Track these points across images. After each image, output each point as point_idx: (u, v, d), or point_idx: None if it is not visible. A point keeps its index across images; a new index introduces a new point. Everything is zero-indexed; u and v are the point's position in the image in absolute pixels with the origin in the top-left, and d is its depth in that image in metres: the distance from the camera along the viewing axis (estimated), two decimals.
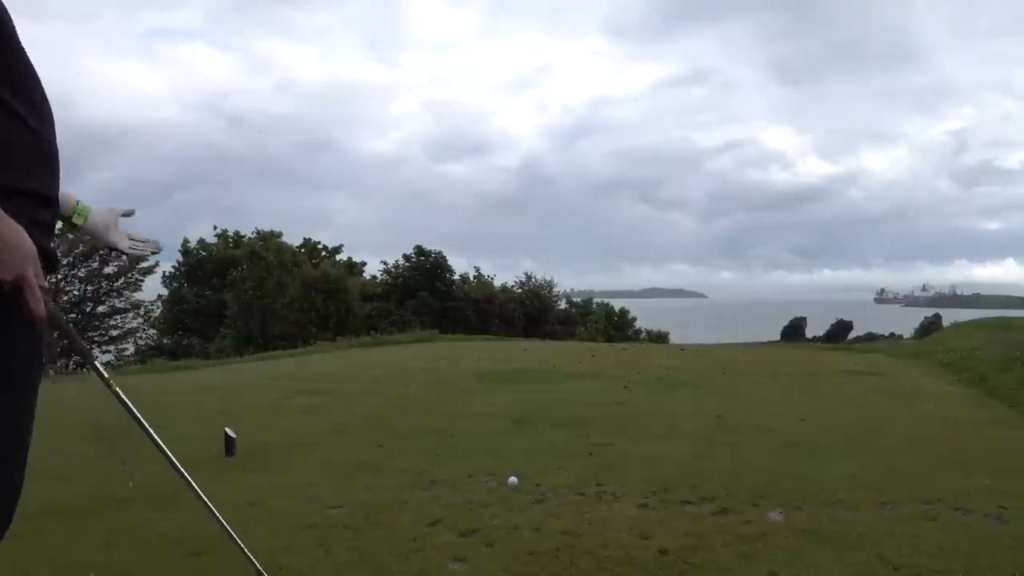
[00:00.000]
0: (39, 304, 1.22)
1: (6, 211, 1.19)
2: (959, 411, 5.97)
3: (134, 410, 1.48)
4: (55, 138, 1.40)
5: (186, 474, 1.48)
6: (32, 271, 1.22)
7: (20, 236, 1.21)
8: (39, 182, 1.33)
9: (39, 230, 1.30)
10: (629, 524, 3.08)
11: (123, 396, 1.47)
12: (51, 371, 2.33)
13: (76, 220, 1.63)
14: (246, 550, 1.50)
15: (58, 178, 1.43)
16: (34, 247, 1.23)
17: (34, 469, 4.16)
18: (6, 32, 1.24)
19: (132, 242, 1.71)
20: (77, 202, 1.62)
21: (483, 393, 6.69)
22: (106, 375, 1.49)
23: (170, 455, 1.50)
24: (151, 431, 1.46)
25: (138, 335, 31.78)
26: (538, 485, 3.62)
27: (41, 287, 1.23)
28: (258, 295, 25.65)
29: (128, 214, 1.72)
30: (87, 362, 1.49)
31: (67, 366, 25.04)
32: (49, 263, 1.36)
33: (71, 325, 1.46)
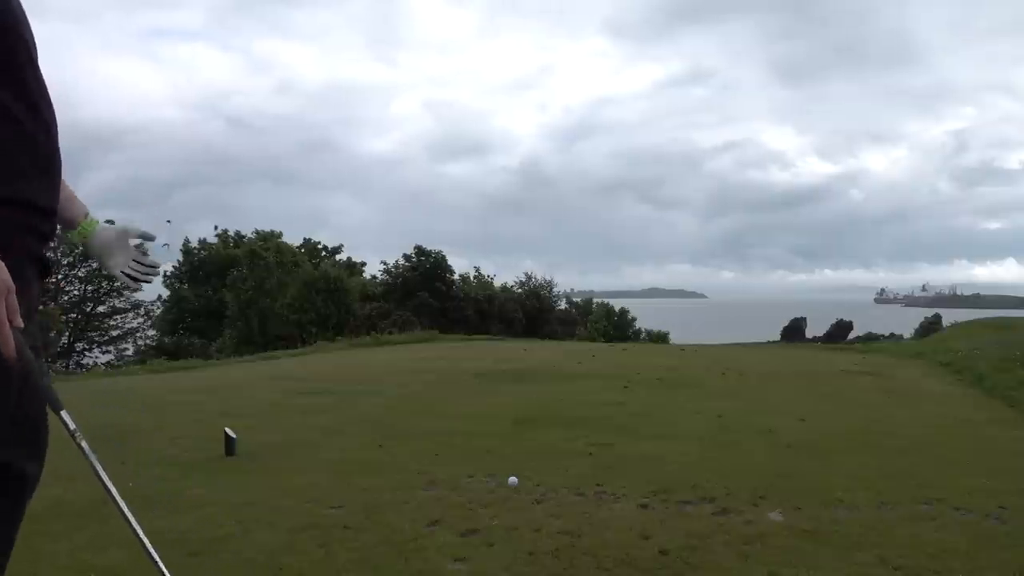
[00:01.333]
0: (7, 343, 1.12)
1: None
2: (959, 411, 5.97)
3: (92, 459, 1.48)
4: (58, 145, 1.35)
5: (116, 495, 1.49)
6: (1, 307, 1.11)
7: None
8: (35, 191, 1.27)
9: (35, 239, 1.27)
10: (629, 524, 3.08)
11: (86, 449, 1.48)
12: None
13: (74, 238, 1.59)
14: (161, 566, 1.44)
15: (58, 187, 1.38)
16: (7, 281, 1.13)
17: None
18: (5, 31, 1.20)
19: (130, 270, 1.67)
20: (85, 215, 1.58)
21: (483, 393, 6.68)
22: (72, 427, 1.43)
23: (109, 486, 1.49)
24: (105, 479, 1.47)
25: (138, 335, 31.79)
26: (538, 485, 3.62)
27: (14, 325, 1.13)
28: (258, 295, 25.65)
29: (147, 238, 1.67)
30: (54, 409, 1.40)
31: (66, 366, 25.04)
32: (44, 270, 1.35)
33: (44, 369, 1.41)
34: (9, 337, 1.12)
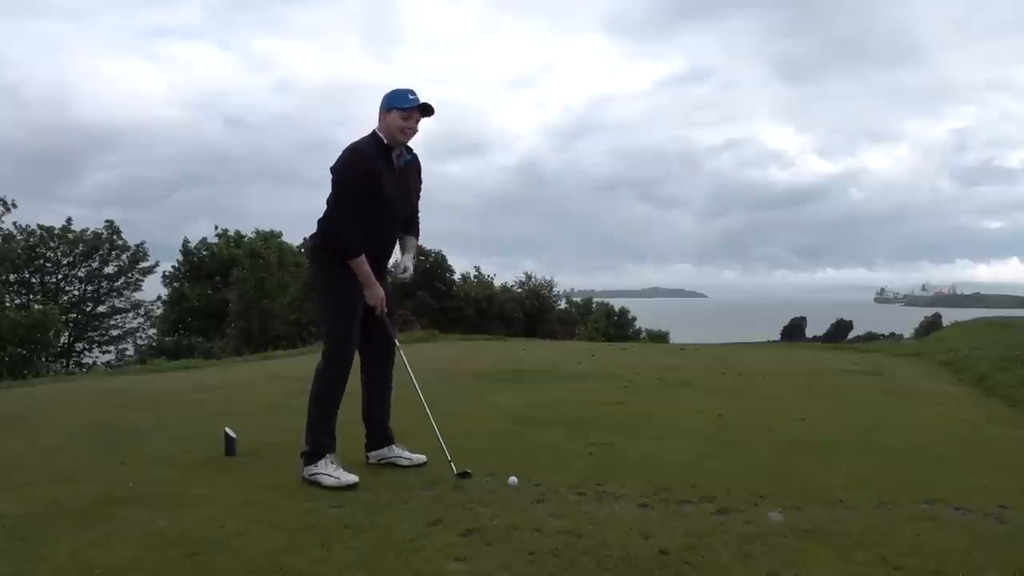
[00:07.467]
0: (387, 320, 3.89)
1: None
2: (959, 411, 5.97)
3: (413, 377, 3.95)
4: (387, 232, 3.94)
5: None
6: (381, 306, 3.81)
7: (378, 287, 3.77)
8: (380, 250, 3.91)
9: (375, 266, 3.82)
10: (629, 524, 3.08)
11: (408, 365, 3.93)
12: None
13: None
14: None
15: (386, 247, 3.96)
16: (380, 295, 3.80)
17: (36, 470, 4.21)
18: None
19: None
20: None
21: (483, 393, 6.68)
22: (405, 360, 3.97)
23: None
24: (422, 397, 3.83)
25: (138, 335, 31.76)
26: (538, 485, 3.62)
27: (383, 311, 3.84)
28: (259, 295, 25.64)
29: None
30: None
31: (66, 366, 25.03)
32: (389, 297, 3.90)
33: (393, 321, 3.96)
34: (384, 321, 3.88)
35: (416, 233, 4.10)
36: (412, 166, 3.92)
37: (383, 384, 4.05)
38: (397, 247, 4.03)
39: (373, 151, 3.70)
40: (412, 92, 3.75)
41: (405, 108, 3.71)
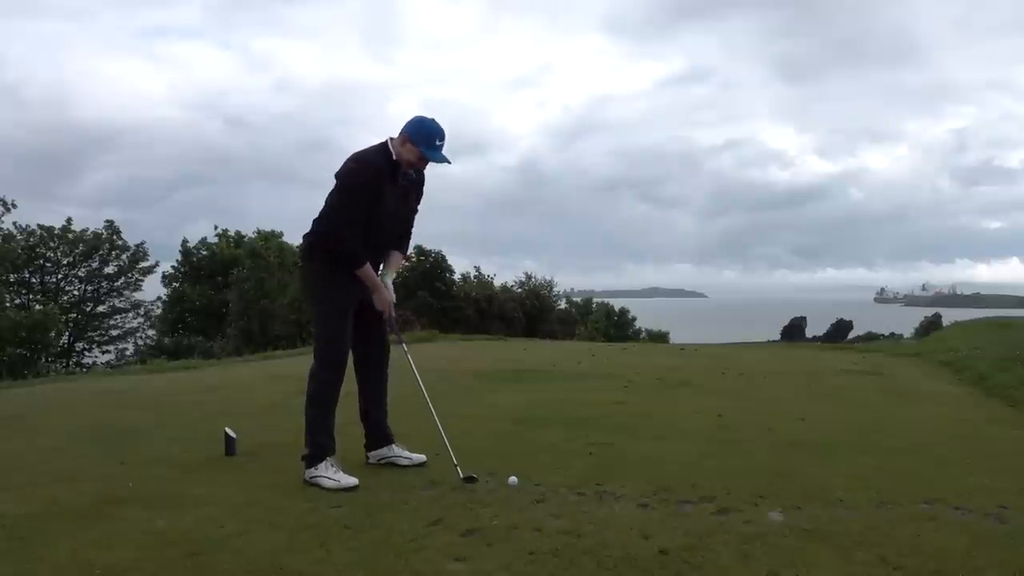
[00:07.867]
0: (392, 323, 3.97)
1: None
2: (959, 411, 5.97)
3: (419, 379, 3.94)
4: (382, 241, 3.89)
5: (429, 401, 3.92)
6: (389, 310, 3.84)
7: (385, 291, 3.81)
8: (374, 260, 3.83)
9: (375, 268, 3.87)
10: (629, 524, 3.08)
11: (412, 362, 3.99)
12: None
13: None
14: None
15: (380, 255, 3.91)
16: (387, 299, 3.82)
17: (36, 470, 4.20)
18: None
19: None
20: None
21: (483, 393, 6.68)
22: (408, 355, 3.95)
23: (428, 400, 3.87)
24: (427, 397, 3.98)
25: (138, 335, 31.74)
26: (538, 485, 3.62)
27: (390, 315, 3.87)
28: (259, 295, 25.63)
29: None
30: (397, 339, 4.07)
31: (66, 366, 25.01)
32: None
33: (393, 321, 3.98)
34: (393, 323, 3.96)
35: (404, 249, 4.08)
36: (415, 183, 3.92)
37: (379, 384, 4.06)
38: None
39: (381, 162, 3.69)
40: (441, 138, 3.73)
41: (424, 154, 3.72)
